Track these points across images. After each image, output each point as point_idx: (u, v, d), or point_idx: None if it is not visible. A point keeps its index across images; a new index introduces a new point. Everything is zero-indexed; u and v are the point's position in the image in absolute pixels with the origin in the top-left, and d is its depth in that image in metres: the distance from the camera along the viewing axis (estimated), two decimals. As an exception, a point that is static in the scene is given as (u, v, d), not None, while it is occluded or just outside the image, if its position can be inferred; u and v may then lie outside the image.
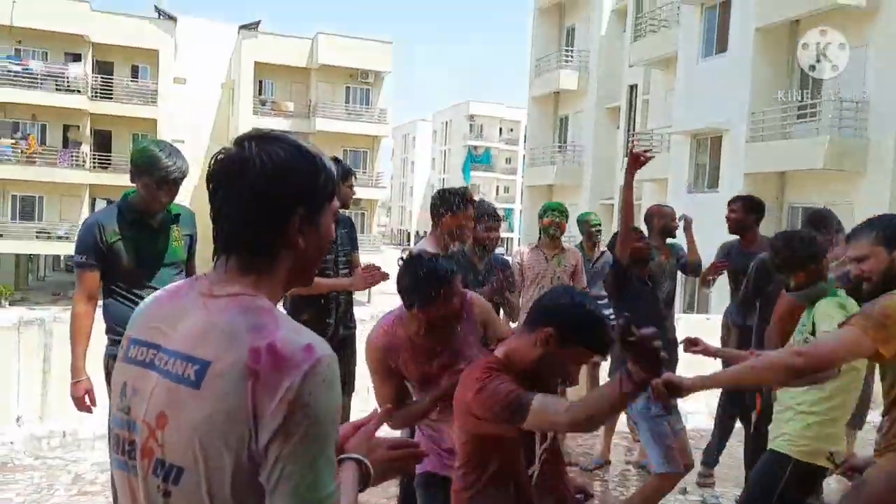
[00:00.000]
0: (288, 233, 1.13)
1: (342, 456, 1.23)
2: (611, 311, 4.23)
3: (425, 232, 4.68)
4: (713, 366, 3.32)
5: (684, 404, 4.35)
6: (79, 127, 30.35)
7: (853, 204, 15.26)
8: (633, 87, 24.62)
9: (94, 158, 30.29)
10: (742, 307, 4.42)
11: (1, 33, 29.08)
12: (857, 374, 2.82)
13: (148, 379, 1.11)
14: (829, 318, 2.75)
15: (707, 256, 4.92)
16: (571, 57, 27.10)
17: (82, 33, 29.23)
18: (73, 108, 29.35)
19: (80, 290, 3.07)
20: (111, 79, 30.89)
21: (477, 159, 63.27)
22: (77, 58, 29.99)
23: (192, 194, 33.76)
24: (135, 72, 31.82)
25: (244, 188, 1.10)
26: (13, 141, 29.19)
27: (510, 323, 3.90)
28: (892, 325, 2.06)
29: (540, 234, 4.96)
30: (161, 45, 30.95)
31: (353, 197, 3.99)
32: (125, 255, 3.01)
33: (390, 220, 77.69)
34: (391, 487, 3.54)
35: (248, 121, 32.20)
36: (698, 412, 5.63)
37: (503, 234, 5.18)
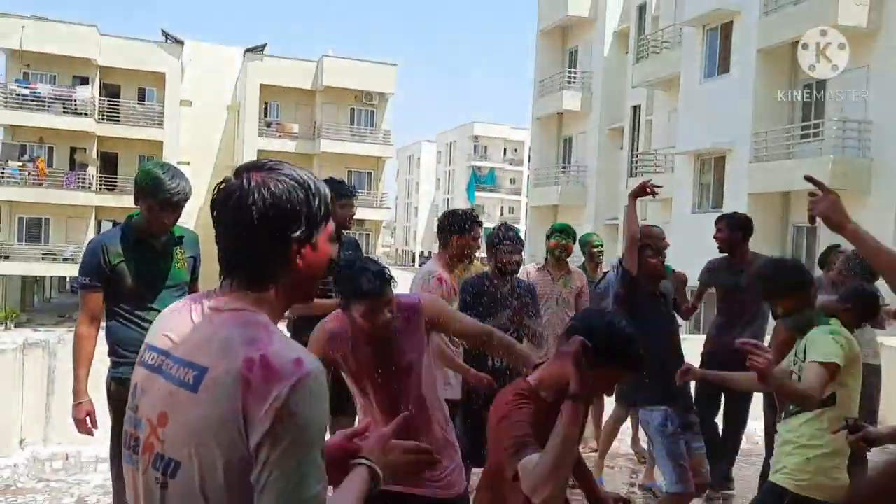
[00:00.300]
0: (286, 256, 1.23)
1: (354, 460, 1.32)
2: None
3: (430, 252, 4.70)
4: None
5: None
6: (86, 149, 30.59)
7: (859, 223, 15.23)
8: (636, 108, 24.74)
9: (101, 180, 30.49)
10: (728, 324, 4.44)
11: (10, 57, 29.48)
12: (854, 405, 2.77)
13: (155, 382, 1.22)
14: (815, 345, 2.72)
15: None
16: (574, 78, 27.28)
17: (90, 57, 29.58)
18: (81, 131, 29.62)
19: (84, 311, 3.08)
20: (118, 101, 31.21)
21: (481, 180, 63.46)
22: (85, 81, 30.32)
23: (197, 215, 33.92)
24: (141, 95, 32.13)
25: (243, 217, 1.20)
26: (21, 163, 29.43)
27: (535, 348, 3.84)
28: None
29: (546, 254, 4.97)
30: (167, 68, 31.26)
31: (354, 216, 4.00)
32: (128, 276, 3.02)
33: (395, 240, 77.80)
34: None
35: (253, 142, 32.44)
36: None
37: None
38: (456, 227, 3.64)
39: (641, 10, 24.57)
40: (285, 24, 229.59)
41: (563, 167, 28.29)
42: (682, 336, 4.11)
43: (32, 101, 29.04)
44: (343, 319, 2.56)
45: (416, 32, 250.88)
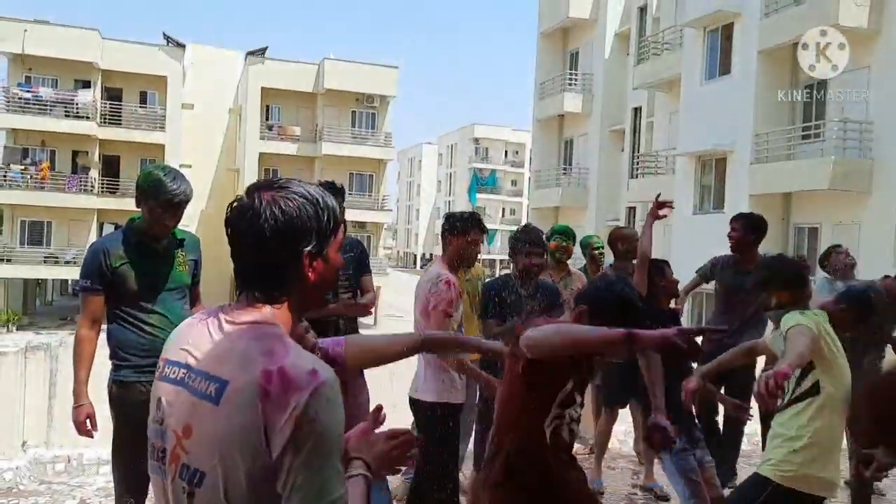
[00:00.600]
0: (299, 270, 1.29)
1: (350, 472, 1.34)
2: None
3: (431, 255, 4.70)
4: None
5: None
6: (87, 152, 30.64)
7: (860, 224, 15.23)
8: (637, 110, 24.75)
9: (103, 184, 30.54)
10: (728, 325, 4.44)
11: (12, 61, 29.55)
12: (838, 391, 2.76)
13: (178, 395, 1.27)
14: (786, 322, 2.73)
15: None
16: (575, 80, 27.30)
17: (92, 60, 29.63)
18: (83, 134, 29.66)
19: (85, 314, 3.08)
20: (120, 105, 31.25)
21: (483, 182, 63.50)
22: (87, 84, 30.37)
23: (198, 219, 33.89)
24: (143, 98, 32.17)
25: (256, 235, 1.26)
26: (23, 167, 29.49)
27: None
28: None
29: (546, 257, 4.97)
30: (169, 71, 31.29)
31: (345, 218, 4.00)
32: (130, 279, 3.03)
33: (396, 242, 77.83)
34: None
35: (254, 145, 32.48)
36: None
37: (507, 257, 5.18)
38: (452, 230, 3.64)
39: (642, 11, 24.59)
40: (286, 28, 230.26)
41: (564, 169, 28.30)
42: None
43: (34, 104, 29.09)
44: None
45: (417, 35, 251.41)
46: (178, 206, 3.01)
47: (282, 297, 1.30)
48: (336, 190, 3.94)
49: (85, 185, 30.02)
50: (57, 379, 4.89)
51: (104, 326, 3.15)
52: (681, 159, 20.41)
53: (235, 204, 1.31)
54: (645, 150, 23.86)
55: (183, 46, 32.39)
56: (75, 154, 30.77)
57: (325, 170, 30.22)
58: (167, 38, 32.74)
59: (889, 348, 4.87)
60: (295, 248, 1.28)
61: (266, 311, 1.28)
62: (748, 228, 4.62)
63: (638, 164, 23.95)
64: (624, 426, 5.57)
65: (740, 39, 18.23)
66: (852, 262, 5.38)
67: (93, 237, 26.99)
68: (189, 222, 29.58)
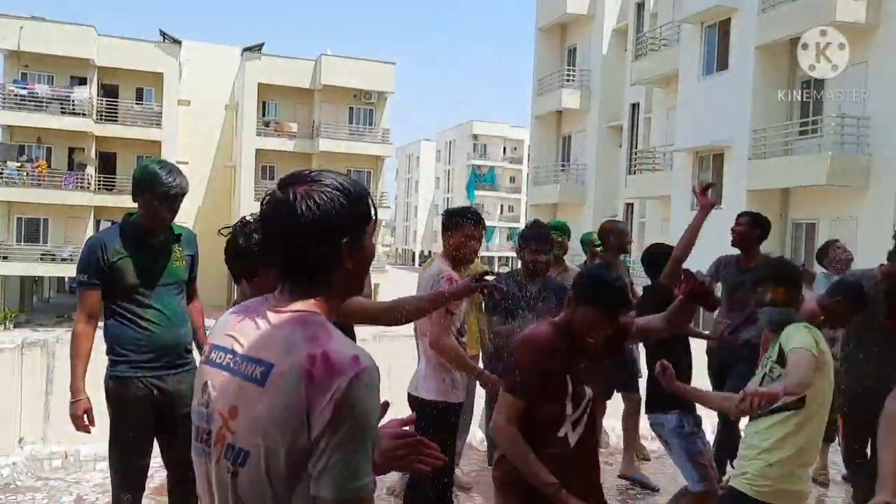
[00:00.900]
0: (339, 261, 1.33)
1: None
2: None
3: (430, 252, 4.67)
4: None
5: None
6: (84, 149, 30.56)
7: (857, 219, 15.25)
8: (634, 106, 24.75)
9: (99, 180, 30.47)
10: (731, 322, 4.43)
11: (8, 58, 29.45)
12: (824, 407, 2.74)
13: (225, 378, 1.31)
14: (792, 337, 2.69)
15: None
16: (573, 76, 27.28)
17: (88, 57, 29.53)
18: (79, 131, 29.57)
19: (81, 309, 3.07)
20: (116, 101, 31.16)
21: (481, 178, 63.47)
22: (82, 81, 30.28)
23: (195, 215, 33.83)
24: (139, 94, 32.08)
25: (293, 230, 1.29)
26: (19, 164, 29.41)
27: None
28: None
29: None
30: (165, 68, 31.20)
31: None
32: (127, 273, 3.01)
33: (395, 239, 77.80)
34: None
35: (251, 142, 32.41)
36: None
37: (508, 254, 5.17)
38: (450, 225, 3.63)
39: (640, 7, 24.57)
40: (283, 24, 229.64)
41: (563, 165, 28.30)
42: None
43: (30, 101, 28.99)
44: None
45: (414, 31, 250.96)
46: (174, 198, 3.00)
47: (322, 286, 1.34)
48: None
49: (81, 182, 29.95)
50: (54, 375, 4.87)
51: (101, 322, 3.14)
52: (678, 155, 20.42)
53: (270, 199, 1.33)
54: (643, 147, 23.87)
55: (179, 43, 32.30)
56: (72, 151, 30.68)
57: (323, 166, 29.32)
58: (163, 34, 32.65)
59: None
60: (332, 240, 1.31)
61: (308, 300, 1.32)
62: (755, 225, 4.62)
63: (636, 160, 23.96)
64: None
65: (738, 35, 18.23)
66: (849, 257, 5.38)
67: (90, 234, 26.94)
68: (186, 218, 29.51)
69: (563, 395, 2.34)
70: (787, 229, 17.35)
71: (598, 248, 5.61)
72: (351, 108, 34.17)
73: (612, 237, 4.91)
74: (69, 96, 29.59)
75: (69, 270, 28.37)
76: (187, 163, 29.82)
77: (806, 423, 2.67)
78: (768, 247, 4.82)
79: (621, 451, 5.52)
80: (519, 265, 4.00)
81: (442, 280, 3.48)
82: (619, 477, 4.95)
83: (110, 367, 3.09)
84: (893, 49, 14.93)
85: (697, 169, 20.03)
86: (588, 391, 2.42)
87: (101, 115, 30.43)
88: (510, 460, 2.35)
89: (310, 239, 1.29)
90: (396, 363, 4.43)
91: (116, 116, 30.89)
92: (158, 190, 2.95)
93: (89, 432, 3.13)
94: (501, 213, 65.52)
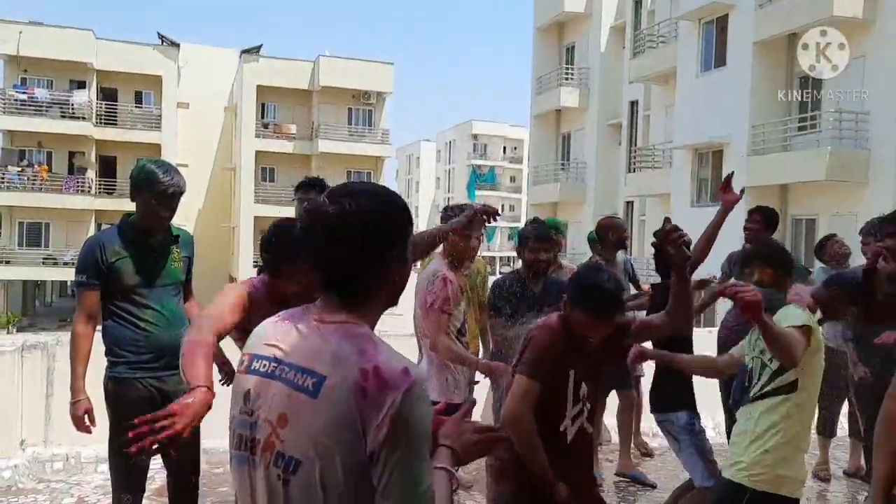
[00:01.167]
0: (388, 274, 1.36)
1: (435, 462, 1.42)
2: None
3: (431, 251, 4.62)
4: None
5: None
6: (84, 153, 30.61)
7: (857, 215, 15.23)
8: (633, 104, 24.74)
9: (100, 184, 30.51)
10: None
11: (7, 63, 29.50)
12: (814, 391, 2.71)
13: (269, 386, 1.31)
14: (787, 316, 2.64)
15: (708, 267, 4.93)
16: (572, 74, 27.28)
17: (87, 61, 29.59)
18: (79, 135, 29.63)
19: (80, 310, 3.08)
20: (115, 105, 31.20)
21: (481, 178, 63.44)
22: (82, 85, 30.33)
23: (195, 217, 33.80)
24: (138, 98, 32.12)
25: (341, 242, 1.30)
26: (20, 168, 29.46)
27: None
28: None
29: None
30: (164, 71, 31.25)
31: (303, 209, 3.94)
32: (126, 274, 3.02)
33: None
34: None
35: (251, 144, 32.43)
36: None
37: (509, 253, 5.18)
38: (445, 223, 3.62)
39: (637, 4, 24.56)
40: (281, 26, 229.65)
41: (563, 164, 28.30)
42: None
43: (30, 106, 29.05)
44: (255, 285, 2.61)
45: (412, 32, 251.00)
46: (172, 197, 3.01)
47: (364, 299, 1.35)
48: (322, 186, 3.94)
49: (82, 186, 29.99)
50: (54, 377, 4.88)
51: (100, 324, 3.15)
52: (678, 152, 20.41)
53: (317, 211, 1.33)
54: (642, 144, 23.87)
55: (177, 45, 32.34)
56: (72, 155, 30.74)
57: (322, 168, 30.19)
58: (161, 37, 32.69)
59: None
60: (382, 254, 1.33)
61: (352, 311, 1.33)
62: (767, 222, 4.61)
63: (635, 157, 23.96)
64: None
65: (735, 31, 18.22)
66: (847, 252, 5.39)
67: (90, 238, 26.98)
68: (186, 221, 29.59)
69: (564, 389, 2.36)
70: (786, 225, 17.34)
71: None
72: (350, 109, 34.18)
73: (611, 233, 4.92)
74: (69, 100, 29.65)
75: (71, 274, 27.96)
76: (187, 165, 29.85)
77: (798, 407, 2.63)
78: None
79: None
80: (520, 265, 3.98)
81: (437, 280, 3.48)
82: (617, 475, 4.96)
83: (109, 368, 3.10)
84: (891, 43, 14.92)
85: (697, 166, 20.03)
86: (586, 388, 2.44)
87: (101, 119, 30.47)
88: (515, 447, 2.33)
89: (358, 252, 1.31)
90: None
91: (116, 120, 30.95)
92: (156, 189, 2.96)
93: (90, 433, 3.14)
94: (502, 212, 65.17)
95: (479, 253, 4.08)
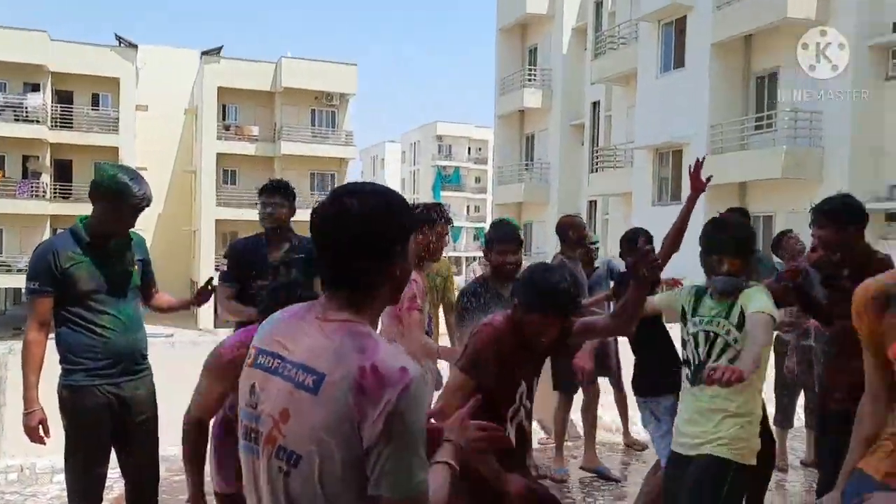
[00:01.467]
0: (391, 270, 1.40)
1: (437, 458, 1.49)
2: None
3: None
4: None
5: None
6: (38, 157, 29.83)
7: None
8: (595, 104, 25.02)
9: (55, 189, 29.76)
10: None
11: (-43, 65, 28.62)
12: (765, 367, 2.89)
13: (272, 382, 1.37)
14: (754, 300, 2.77)
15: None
16: (535, 76, 27.48)
17: (41, 63, 28.85)
18: (33, 139, 28.89)
19: (33, 317, 3.00)
20: (71, 108, 30.49)
21: (446, 179, 63.50)
22: (36, 87, 29.56)
23: (156, 221, 33.18)
24: (95, 100, 31.44)
25: (348, 240, 1.35)
26: (-29, 173, 28.61)
27: None
28: None
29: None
30: (122, 72, 30.63)
31: (269, 214, 3.83)
32: (81, 280, 2.95)
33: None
34: None
35: (212, 146, 31.97)
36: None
37: (475, 253, 5.16)
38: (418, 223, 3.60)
39: (598, 6, 24.85)
40: (242, 27, 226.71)
41: (527, 164, 28.49)
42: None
43: (-18, 109, 28.25)
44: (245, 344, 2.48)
45: (376, 33, 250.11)
46: (142, 210, 3.00)
47: (368, 295, 1.39)
48: (286, 190, 3.90)
49: (36, 191, 29.22)
50: (6, 387, 4.74)
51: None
52: (639, 152, 20.70)
53: (321, 209, 1.39)
54: (604, 144, 24.15)
55: (135, 47, 31.73)
56: (26, 159, 29.95)
57: (285, 170, 29.87)
58: (119, 38, 32.03)
59: None
60: (386, 251, 1.37)
61: (354, 309, 1.37)
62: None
63: (597, 158, 24.23)
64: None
65: (693, 33, 18.55)
66: (802, 247, 5.51)
67: (46, 244, 26.29)
68: (146, 225, 29.00)
69: (508, 388, 2.37)
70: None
71: (593, 246, 5.59)
72: (313, 111, 33.94)
73: (571, 231, 4.95)
74: (22, 103, 28.90)
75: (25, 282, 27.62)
76: (146, 168, 29.19)
77: (758, 383, 2.82)
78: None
79: (605, 444, 5.57)
80: (475, 266, 3.95)
81: None
82: (581, 469, 5.00)
83: (64, 377, 3.02)
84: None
85: (658, 165, 20.33)
86: (525, 386, 2.45)
87: (56, 122, 29.76)
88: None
89: (364, 249, 1.35)
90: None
91: (72, 123, 30.24)
92: (130, 202, 2.92)
93: (44, 444, 3.05)
94: (468, 213, 65.61)
95: (444, 253, 4.07)
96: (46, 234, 28.70)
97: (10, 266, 28.65)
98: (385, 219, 1.38)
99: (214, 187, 31.91)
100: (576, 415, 5.36)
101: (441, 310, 4.77)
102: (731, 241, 2.86)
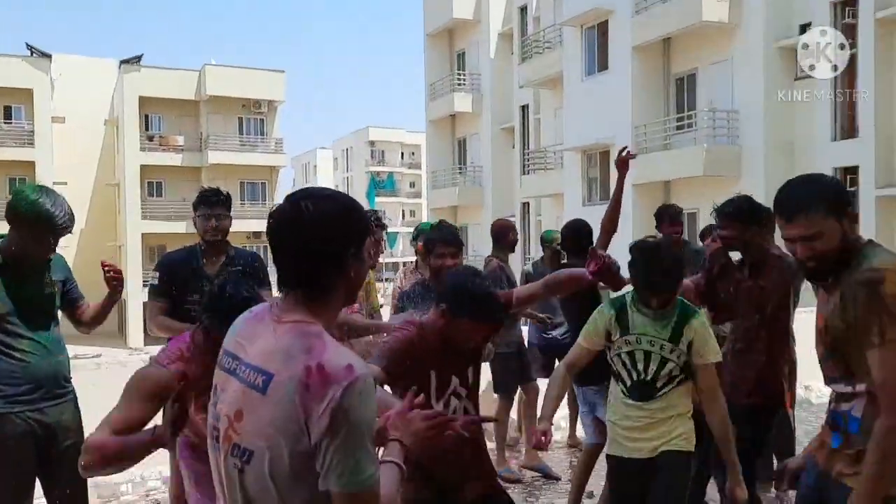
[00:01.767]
0: (342, 270, 1.43)
1: (385, 457, 1.53)
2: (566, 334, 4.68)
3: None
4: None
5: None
6: (-53, 174, 28.21)
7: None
8: (524, 108, 25.41)
9: (-34, 206, 28.18)
10: None
11: None
12: None
13: (230, 382, 1.44)
14: (707, 344, 2.89)
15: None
16: (464, 80, 27.71)
17: (-54, 74, 27.33)
18: (-60, 154, 27.32)
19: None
20: (-19, 121, 28.98)
21: (381, 185, 63.07)
22: (-59, 100, 27.97)
23: (77, 238, 31.79)
24: (8, 113, 29.94)
25: (303, 241, 1.40)
26: None
27: None
28: None
29: (417, 256, 4.83)
30: (35, 83, 29.26)
31: (218, 227, 3.67)
32: (-4, 303, 2.82)
33: (295, 251, 76.11)
34: None
35: (135, 158, 30.88)
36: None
37: (411, 258, 5.14)
38: None
39: (523, 11, 25.26)
40: (161, 37, 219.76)
41: (460, 168, 28.69)
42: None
43: None
44: (184, 358, 2.28)
45: (304, 40, 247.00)
46: (64, 235, 2.90)
47: (323, 296, 1.43)
48: (228, 200, 3.78)
49: (-55, 209, 27.59)
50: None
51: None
52: (568, 154, 21.13)
53: (277, 213, 1.43)
54: (534, 147, 24.55)
55: (49, 56, 30.39)
56: (-68, 176, 28.26)
57: (214, 179, 29.05)
58: (31, 48, 30.62)
59: None
60: (338, 251, 1.42)
61: (307, 310, 1.41)
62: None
63: (528, 160, 24.61)
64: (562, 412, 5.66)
65: (615, 36, 19.08)
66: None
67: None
68: (68, 241, 27.54)
69: (425, 389, 2.35)
70: (671, 219, 18.31)
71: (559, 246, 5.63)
72: (240, 119, 33.24)
73: (511, 234, 5.09)
74: (-74, 117, 27.25)
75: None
76: (66, 183, 28.05)
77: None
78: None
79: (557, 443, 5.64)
80: (407, 267, 3.95)
81: None
82: (522, 468, 5.06)
83: (-18, 405, 2.87)
84: (754, 45, 16.09)
85: (586, 166, 20.80)
86: (457, 380, 2.46)
87: (-35, 137, 28.18)
88: None
89: (317, 249, 1.39)
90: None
91: (-18, 137, 28.71)
92: (52, 230, 2.83)
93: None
94: (403, 218, 65.53)
95: (380, 259, 4.05)
96: (-43, 255, 27.15)
97: (-83, 290, 26.95)
98: (340, 222, 1.42)
99: (139, 200, 30.85)
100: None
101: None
102: (659, 276, 2.81)
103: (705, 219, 17.31)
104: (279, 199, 30.79)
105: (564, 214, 20.10)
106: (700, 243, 5.99)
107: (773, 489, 4.42)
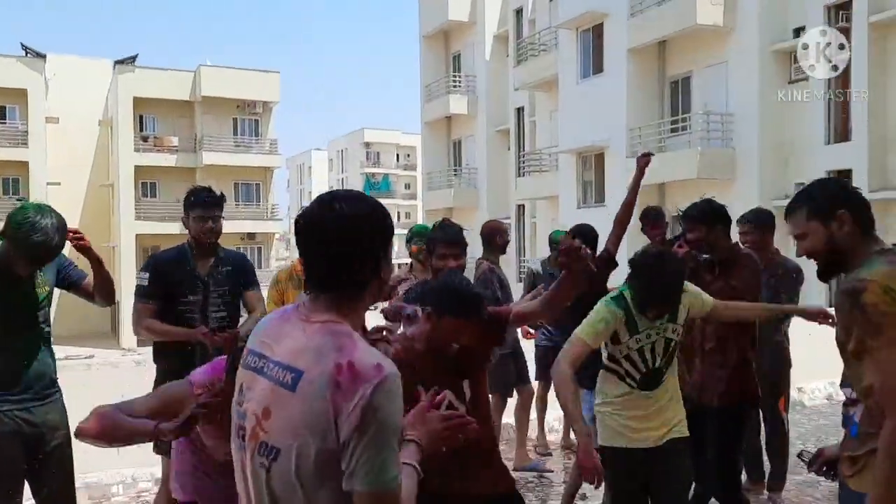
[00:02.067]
0: (373, 271, 1.46)
1: (402, 458, 1.48)
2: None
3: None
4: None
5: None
6: (-61, 174, 28.09)
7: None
8: (519, 110, 25.44)
9: (-41, 207, 28.08)
10: None
11: None
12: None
13: (257, 381, 1.45)
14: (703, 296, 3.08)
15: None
16: (459, 82, 27.73)
17: (-61, 74, 27.21)
18: (-68, 155, 27.19)
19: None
20: (-26, 121, 28.86)
21: (376, 186, 63.24)
22: (-65, 100, 27.84)
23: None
24: (2, 113, 29.85)
25: (334, 242, 1.41)
26: None
27: None
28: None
29: (411, 259, 4.82)
30: (29, 83, 29.15)
31: (213, 229, 3.61)
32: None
33: (290, 252, 76.16)
34: None
35: (129, 158, 30.79)
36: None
37: (407, 260, 5.11)
38: None
39: (518, 13, 25.30)
40: (156, 38, 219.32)
41: (455, 170, 28.69)
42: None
43: None
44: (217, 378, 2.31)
45: (300, 41, 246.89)
46: (41, 266, 2.93)
47: (353, 297, 1.46)
48: (216, 200, 3.72)
49: (-62, 210, 27.48)
50: None
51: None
52: (563, 156, 21.16)
53: (309, 214, 1.45)
54: (530, 149, 24.58)
55: (43, 56, 30.29)
56: (-75, 176, 28.13)
57: (208, 180, 28.95)
58: (25, 48, 30.52)
59: None
60: (370, 251, 1.44)
61: (336, 310, 1.43)
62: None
63: (524, 162, 24.64)
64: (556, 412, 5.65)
65: (610, 39, 19.13)
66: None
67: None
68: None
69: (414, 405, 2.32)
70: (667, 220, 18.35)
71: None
72: (235, 120, 33.18)
73: (499, 236, 5.02)
74: (-81, 117, 27.13)
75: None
76: (59, 183, 28.03)
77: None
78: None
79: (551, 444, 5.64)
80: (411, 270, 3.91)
81: None
82: (514, 470, 5.05)
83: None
84: (748, 49, 16.15)
85: (581, 169, 20.84)
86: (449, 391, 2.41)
87: (-42, 137, 28.07)
88: None
89: (356, 248, 1.42)
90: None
91: (-25, 137, 28.58)
92: (48, 258, 2.86)
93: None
94: (399, 220, 65.49)
95: None
96: (-50, 256, 27.03)
97: None
98: (374, 222, 1.45)
99: (133, 201, 30.76)
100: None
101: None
102: (660, 291, 2.83)
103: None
104: (273, 200, 30.64)
105: (560, 217, 20.15)
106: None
107: (765, 491, 4.43)
